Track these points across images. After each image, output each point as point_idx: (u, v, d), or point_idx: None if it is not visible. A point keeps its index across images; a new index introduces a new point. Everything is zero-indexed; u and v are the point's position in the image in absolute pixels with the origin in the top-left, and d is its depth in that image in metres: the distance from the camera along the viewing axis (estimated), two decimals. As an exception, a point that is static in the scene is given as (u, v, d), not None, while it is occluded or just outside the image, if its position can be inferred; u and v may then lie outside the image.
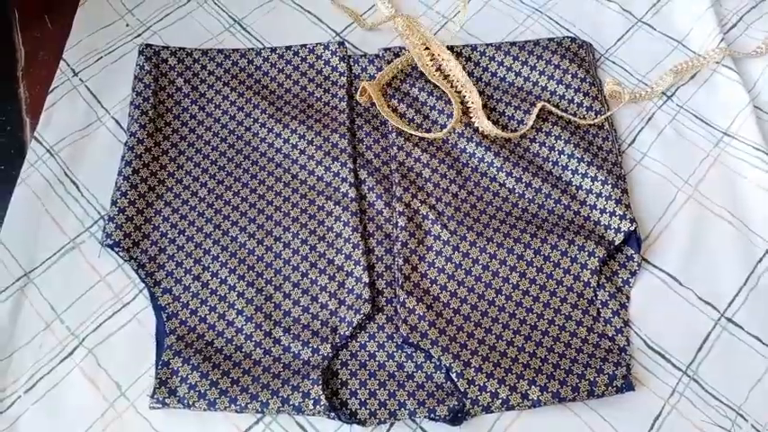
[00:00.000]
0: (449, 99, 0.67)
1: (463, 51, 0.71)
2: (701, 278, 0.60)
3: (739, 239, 0.62)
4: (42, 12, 0.76)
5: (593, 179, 0.62)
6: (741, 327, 0.58)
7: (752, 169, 0.65)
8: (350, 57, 0.71)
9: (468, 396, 0.52)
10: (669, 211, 0.63)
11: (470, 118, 0.66)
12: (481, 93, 0.69)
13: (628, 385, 0.53)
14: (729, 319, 0.58)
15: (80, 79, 0.71)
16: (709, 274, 0.60)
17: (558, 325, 0.57)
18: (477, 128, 0.66)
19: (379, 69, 0.69)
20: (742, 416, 0.54)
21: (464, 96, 0.67)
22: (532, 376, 0.53)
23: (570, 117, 0.66)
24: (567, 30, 0.75)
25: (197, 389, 0.53)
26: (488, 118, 0.67)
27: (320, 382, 0.52)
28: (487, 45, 0.71)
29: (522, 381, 0.53)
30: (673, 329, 0.58)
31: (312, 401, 0.52)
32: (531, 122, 0.65)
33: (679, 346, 0.57)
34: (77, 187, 0.65)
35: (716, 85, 0.71)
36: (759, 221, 0.62)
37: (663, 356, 0.56)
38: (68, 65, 0.72)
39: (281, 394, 0.53)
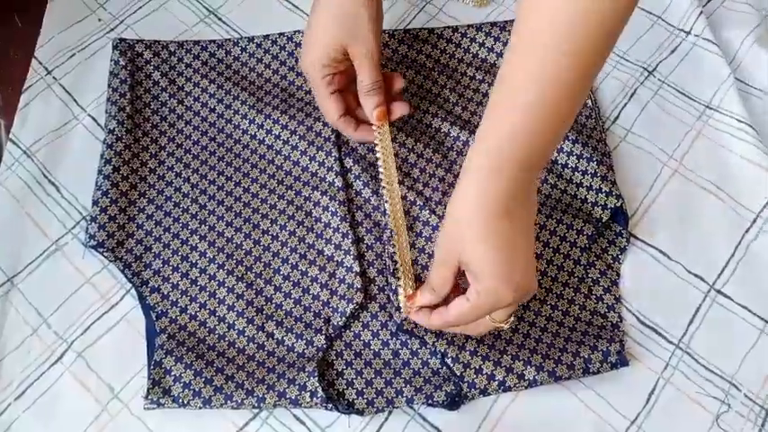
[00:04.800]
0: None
1: (444, 33, 0.70)
2: (689, 251, 0.60)
3: (726, 211, 0.62)
4: (11, 10, 0.74)
5: (579, 157, 0.62)
6: (731, 298, 0.58)
7: (736, 141, 0.65)
8: (329, 43, 0.70)
9: (465, 380, 0.52)
10: (655, 187, 0.63)
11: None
12: (463, 74, 0.68)
13: (622, 361, 0.54)
14: (719, 291, 0.58)
15: (53, 77, 0.69)
16: (697, 248, 0.60)
17: (551, 304, 0.57)
18: (459, 112, 0.65)
19: (360, 55, 0.68)
20: (735, 386, 0.54)
21: None
22: (528, 356, 0.53)
23: None
24: (547, 8, 0.74)
25: (191, 387, 0.53)
26: (471, 99, 0.66)
27: (316, 374, 0.52)
28: (468, 26, 0.70)
29: (518, 361, 0.53)
30: (664, 304, 0.58)
31: (309, 394, 0.52)
32: None
33: (671, 319, 0.57)
34: (57, 188, 0.63)
35: (696, 59, 0.71)
36: (744, 193, 0.63)
37: (655, 331, 0.57)
38: (41, 63, 0.70)
39: (277, 388, 0.52)
